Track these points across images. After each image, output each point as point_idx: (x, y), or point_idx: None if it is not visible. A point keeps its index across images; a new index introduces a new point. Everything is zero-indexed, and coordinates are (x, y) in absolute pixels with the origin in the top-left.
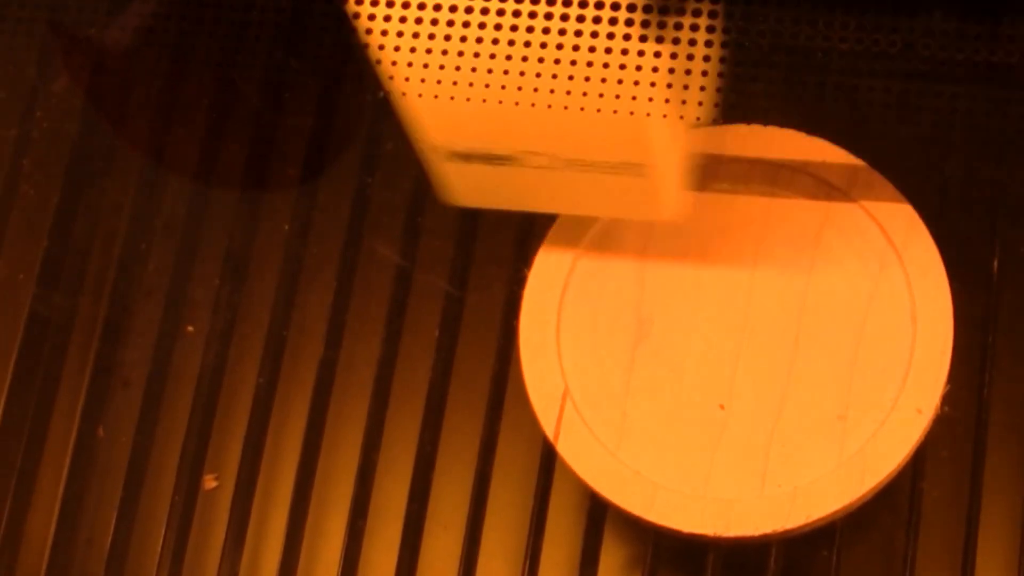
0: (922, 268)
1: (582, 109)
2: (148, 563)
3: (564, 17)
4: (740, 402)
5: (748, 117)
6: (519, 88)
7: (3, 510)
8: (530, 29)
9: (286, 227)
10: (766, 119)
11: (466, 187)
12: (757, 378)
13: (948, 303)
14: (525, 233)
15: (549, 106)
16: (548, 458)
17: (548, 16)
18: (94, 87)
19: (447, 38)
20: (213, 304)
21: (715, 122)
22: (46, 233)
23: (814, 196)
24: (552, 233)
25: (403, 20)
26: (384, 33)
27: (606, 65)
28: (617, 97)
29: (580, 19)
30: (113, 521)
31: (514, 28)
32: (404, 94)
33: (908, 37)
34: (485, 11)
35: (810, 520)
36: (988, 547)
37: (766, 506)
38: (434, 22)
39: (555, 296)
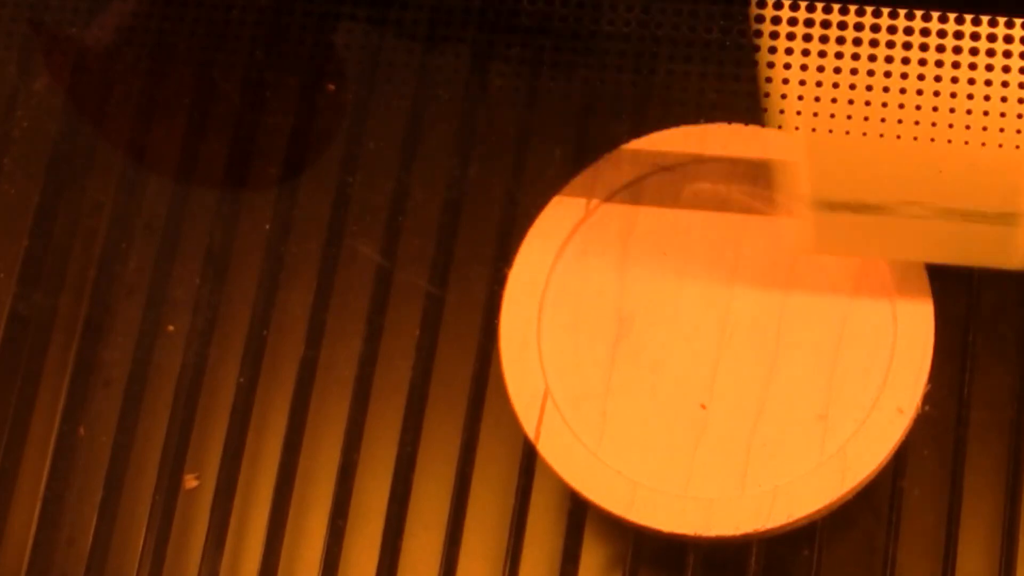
0: (903, 266)
1: (983, 144)
2: (129, 563)
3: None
4: (721, 402)
5: (729, 116)
6: (915, 125)
7: None
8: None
9: (267, 226)
10: (747, 118)
11: (834, 236)
12: (738, 377)
13: (929, 302)
14: (506, 233)
15: (934, 140)
16: (529, 458)
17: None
18: (75, 86)
19: (850, 85)
20: (194, 303)
21: (697, 122)
22: (27, 232)
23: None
24: (532, 233)
25: (805, 55)
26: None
27: (1003, 114)
28: (1016, 144)
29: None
30: (94, 521)
31: (921, 71)
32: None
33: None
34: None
35: (791, 519)
36: (969, 545)
37: (747, 505)
38: (836, 70)
39: (536, 296)
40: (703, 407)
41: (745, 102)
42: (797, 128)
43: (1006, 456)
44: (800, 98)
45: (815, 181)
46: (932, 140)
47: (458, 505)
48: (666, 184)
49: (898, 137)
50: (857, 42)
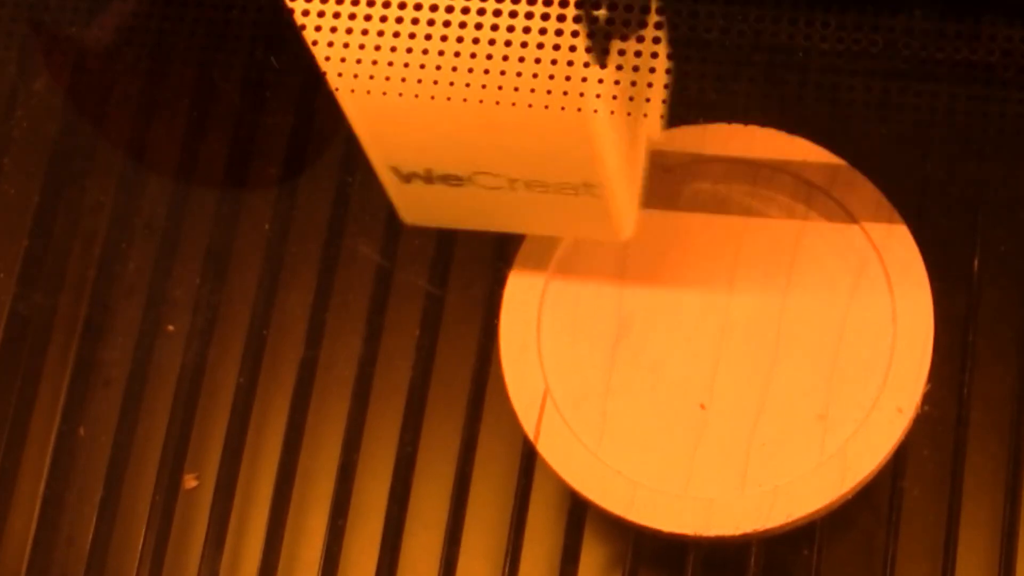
0: (902, 267)
1: (529, 106)
2: (128, 562)
3: (513, 15)
4: (721, 401)
5: (729, 116)
6: (466, 86)
7: None
8: (479, 26)
9: (266, 226)
10: (746, 118)
11: (421, 207)
12: (738, 377)
13: (928, 302)
14: (506, 233)
15: (496, 102)
16: (529, 458)
17: (497, 13)
18: (75, 86)
19: (380, 34)
20: (194, 303)
21: (696, 122)
22: (27, 232)
23: (794, 195)
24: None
25: (352, 17)
26: (318, 29)
27: (551, 75)
28: (563, 107)
29: (528, 22)
30: (94, 520)
31: (463, 25)
32: (337, 89)
33: (888, 36)
34: (433, 7)
35: (790, 519)
36: (969, 545)
37: (747, 505)
38: (368, 17)
39: (536, 296)
40: (703, 407)
41: (744, 102)
42: (353, 91)
43: (1006, 456)
44: (358, 62)
45: (387, 150)
46: (481, 102)
47: (458, 505)
48: (665, 184)
49: (448, 100)
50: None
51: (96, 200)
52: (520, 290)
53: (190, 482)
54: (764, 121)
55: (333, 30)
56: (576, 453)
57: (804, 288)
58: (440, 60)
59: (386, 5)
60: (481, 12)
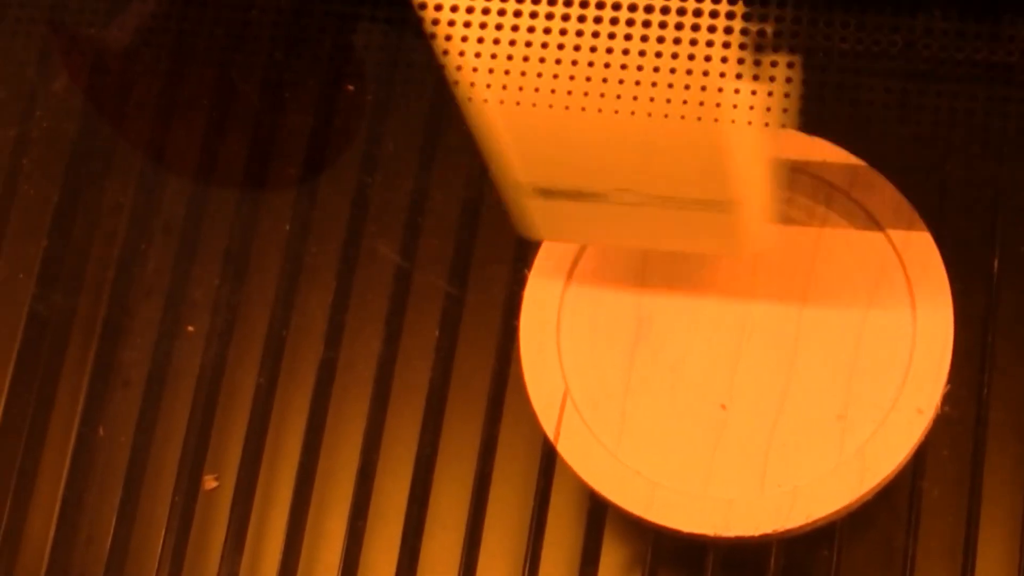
0: (922, 268)
1: (666, 116)
2: (148, 563)
3: (648, 25)
4: (740, 402)
5: None
6: (601, 95)
7: (3, 510)
8: (627, 37)
9: (286, 227)
10: None
11: (553, 223)
12: (757, 377)
13: (948, 303)
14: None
15: (639, 113)
16: (548, 458)
17: (630, 23)
18: (94, 87)
19: (528, 44)
20: (213, 304)
21: None
22: (46, 233)
23: (814, 196)
24: None
25: (483, 27)
26: (450, 38)
27: (689, 85)
28: (699, 117)
29: (676, 38)
30: (113, 521)
31: (611, 36)
32: (471, 99)
33: (908, 36)
34: (566, 18)
35: (810, 520)
36: (988, 546)
37: (766, 506)
38: (514, 28)
39: (555, 296)
40: (722, 407)
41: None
42: (486, 101)
43: None
44: (491, 71)
45: (532, 171)
46: (624, 113)
47: (477, 506)
48: None
49: (585, 110)
50: (534, 15)
51: (115, 200)
52: (540, 291)
53: (210, 483)
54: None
55: (466, 40)
56: (596, 453)
57: (824, 288)
58: (585, 71)
59: (533, 16)
60: (630, 23)
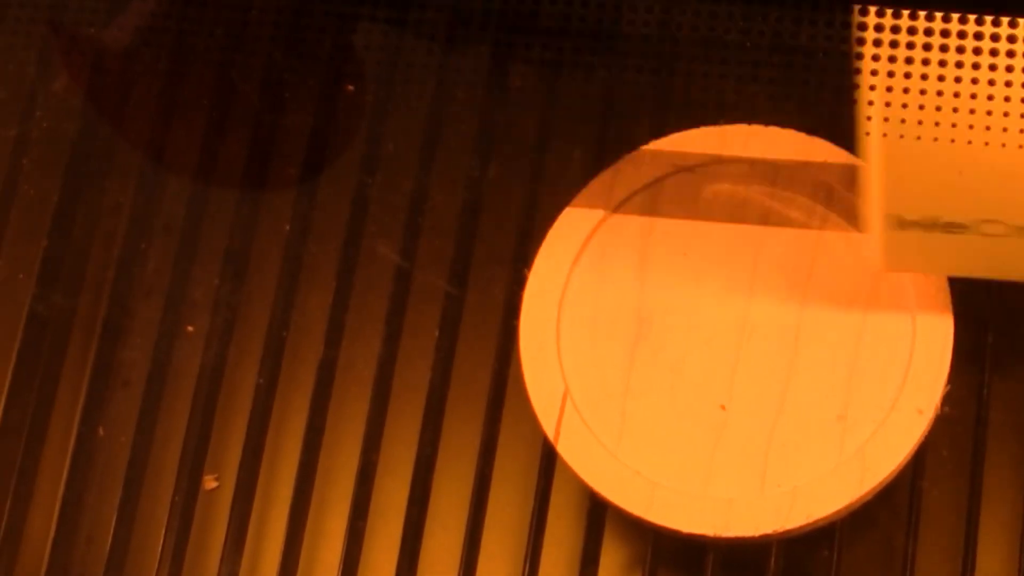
0: None
1: None
2: (148, 563)
3: None
4: (740, 402)
5: (748, 117)
6: (987, 128)
7: (3, 510)
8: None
9: (286, 227)
10: (766, 119)
11: (910, 254)
12: (757, 378)
13: (948, 302)
14: (525, 233)
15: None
16: (548, 458)
17: None
18: (94, 87)
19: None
20: (213, 304)
21: (717, 123)
22: (46, 233)
23: (814, 196)
24: (552, 233)
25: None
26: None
27: None
28: None
29: None
30: (113, 521)
31: (1009, 69)
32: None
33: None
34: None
35: (810, 520)
36: (988, 547)
37: (766, 506)
38: (923, 76)
39: (555, 296)
40: (722, 407)
41: (764, 103)
42: (885, 135)
43: None
44: (888, 104)
45: (893, 197)
46: (1021, 147)
47: (477, 506)
48: (686, 185)
49: (986, 144)
50: (944, 48)
51: (115, 201)
52: (540, 291)
53: (210, 483)
54: (783, 122)
55: (891, 74)
56: (595, 454)
57: (824, 289)
58: (970, 103)
59: (943, 49)
60: (1010, 54)
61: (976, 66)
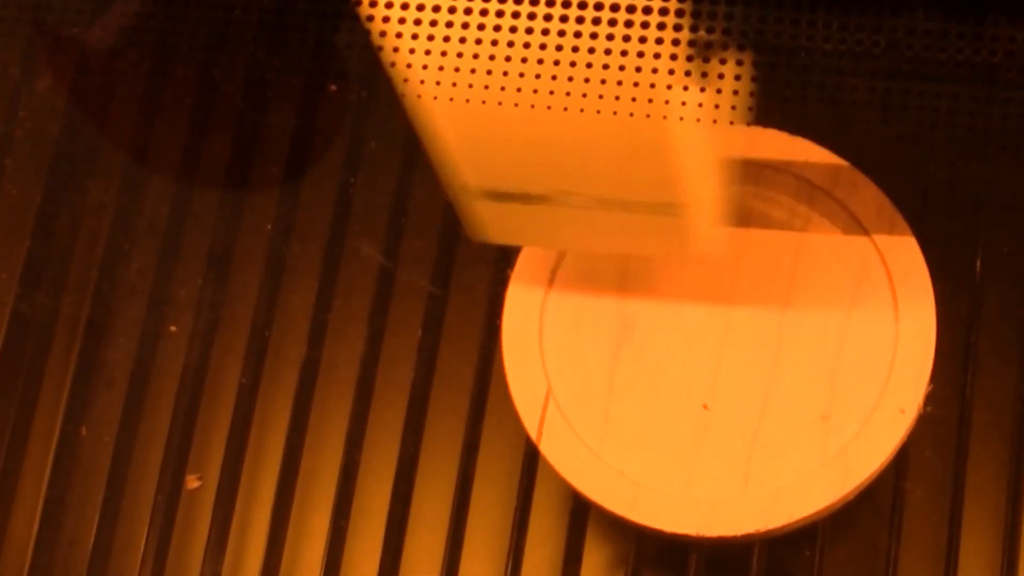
0: (905, 268)
1: (615, 113)
2: (131, 563)
3: (596, 22)
4: (723, 402)
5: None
6: (550, 93)
7: None
8: (577, 34)
9: (269, 227)
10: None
11: (499, 225)
12: (740, 378)
13: (931, 303)
14: None
15: (584, 110)
16: (531, 458)
17: (580, 20)
18: (77, 87)
19: (462, 40)
20: (196, 304)
21: None
22: (29, 233)
23: (797, 196)
24: None
25: (418, 23)
26: (399, 36)
27: (637, 83)
28: (648, 114)
29: (611, 30)
30: (96, 521)
31: (545, 32)
32: (415, 95)
33: (891, 36)
34: (515, 15)
35: (793, 520)
36: (971, 546)
37: (749, 506)
38: (449, 24)
39: (538, 296)
40: (705, 407)
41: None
42: (436, 99)
43: (1008, 457)
44: (425, 67)
45: (478, 174)
46: (567, 110)
47: (460, 505)
48: None
49: (534, 107)
50: (471, 11)
51: (98, 200)
52: (522, 291)
53: (192, 483)
54: (766, 122)
55: (407, 36)
56: (578, 454)
57: (807, 289)
58: (530, 67)
59: (481, 13)
60: (579, 20)
61: (529, 30)
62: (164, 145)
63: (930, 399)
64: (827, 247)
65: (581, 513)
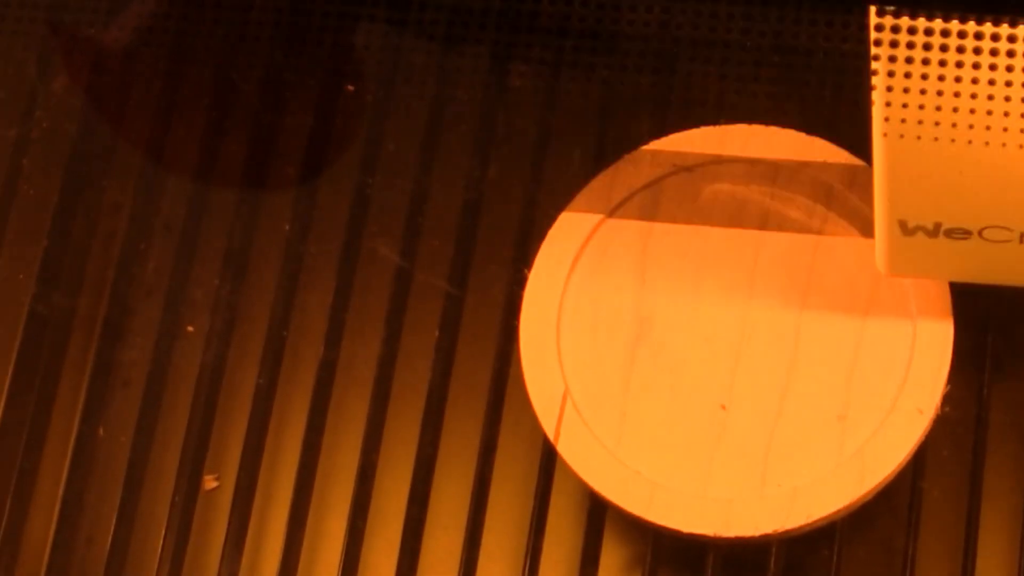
0: None
1: None
2: (148, 563)
3: None
4: (740, 402)
5: (748, 117)
6: (1004, 130)
7: (3, 510)
8: None
9: (286, 227)
10: (766, 119)
11: (912, 260)
12: (757, 378)
13: (948, 302)
14: (525, 233)
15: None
16: (548, 458)
17: None
18: (93, 87)
19: (941, 79)
20: (213, 304)
21: (717, 123)
22: (46, 233)
23: (814, 196)
24: (552, 233)
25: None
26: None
27: None
28: None
29: None
30: (113, 521)
31: (1009, 69)
32: (886, 135)
33: None
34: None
35: (810, 520)
36: (988, 547)
37: (766, 506)
38: (940, 78)
39: (555, 296)
40: (723, 407)
41: (764, 103)
42: (902, 136)
43: None
44: (904, 106)
45: (899, 201)
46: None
47: (477, 506)
48: (685, 185)
49: (986, 144)
50: (944, 48)
51: (115, 200)
52: (540, 290)
53: (210, 483)
54: (783, 122)
55: (907, 75)
56: (596, 454)
57: (824, 289)
58: (1000, 105)
59: (960, 50)
60: (1009, 54)
61: (976, 66)
62: (181, 145)
63: (947, 399)
64: (844, 247)
65: (598, 513)
